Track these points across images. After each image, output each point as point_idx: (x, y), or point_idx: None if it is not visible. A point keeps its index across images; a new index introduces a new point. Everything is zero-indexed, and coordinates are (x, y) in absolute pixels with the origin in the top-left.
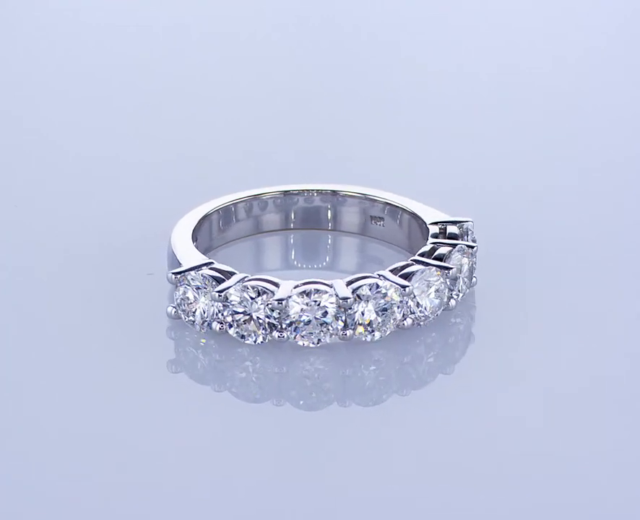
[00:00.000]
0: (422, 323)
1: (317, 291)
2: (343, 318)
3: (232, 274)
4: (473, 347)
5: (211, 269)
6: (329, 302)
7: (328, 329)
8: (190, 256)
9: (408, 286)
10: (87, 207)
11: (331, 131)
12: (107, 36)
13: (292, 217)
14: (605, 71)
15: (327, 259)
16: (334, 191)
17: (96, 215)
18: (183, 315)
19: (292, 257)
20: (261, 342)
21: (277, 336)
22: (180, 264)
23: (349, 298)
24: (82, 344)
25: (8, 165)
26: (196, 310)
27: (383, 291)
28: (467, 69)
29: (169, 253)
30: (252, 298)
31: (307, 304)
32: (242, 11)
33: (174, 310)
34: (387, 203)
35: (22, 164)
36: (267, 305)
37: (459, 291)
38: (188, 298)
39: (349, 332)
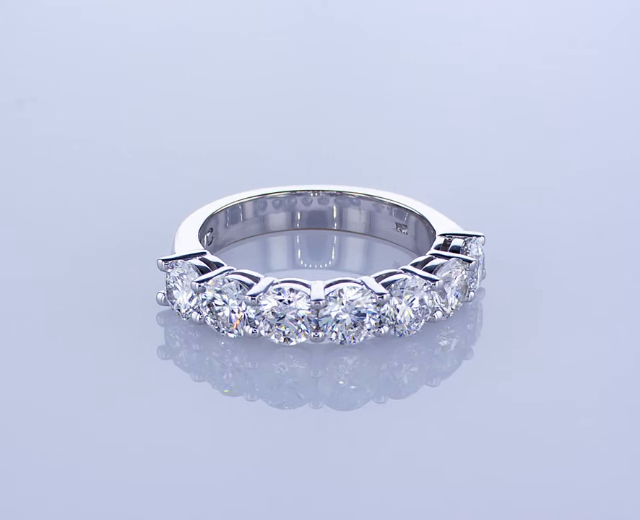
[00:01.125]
0: (402, 331)
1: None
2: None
3: (219, 265)
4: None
5: (201, 259)
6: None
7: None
8: (186, 245)
9: (385, 293)
10: (90, 208)
11: (339, 132)
12: (110, 36)
13: (298, 217)
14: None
15: (333, 259)
16: (340, 192)
17: (99, 215)
18: (169, 303)
19: (299, 257)
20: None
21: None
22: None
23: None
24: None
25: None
26: (177, 298)
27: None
28: (482, 70)
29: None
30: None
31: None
32: (246, 11)
33: (164, 296)
34: (394, 204)
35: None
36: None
37: (449, 304)
38: (175, 287)
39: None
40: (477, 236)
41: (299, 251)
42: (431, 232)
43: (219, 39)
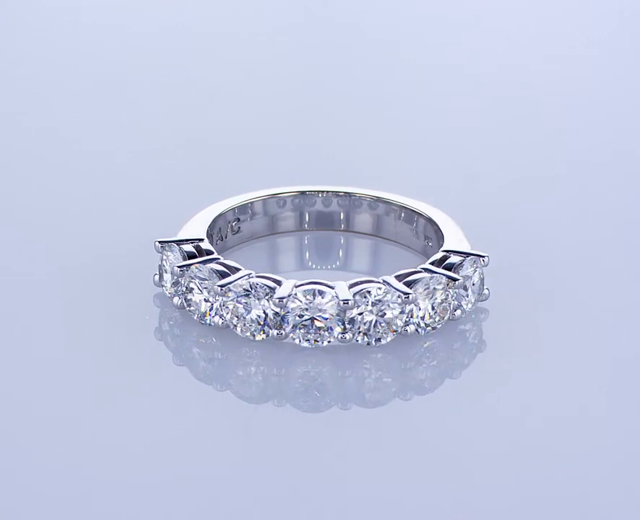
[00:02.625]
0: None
1: (369, 291)
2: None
3: (210, 252)
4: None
5: (195, 247)
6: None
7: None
8: (188, 230)
9: (411, 293)
10: (97, 208)
11: (342, 131)
12: (110, 35)
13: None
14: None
15: (340, 260)
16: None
17: (106, 217)
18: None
19: (307, 257)
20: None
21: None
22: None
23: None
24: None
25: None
26: (166, 281)
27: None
28: (483, 70)
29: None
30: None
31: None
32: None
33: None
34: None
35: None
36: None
37: (421, 320)
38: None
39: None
40: (480, 256)
41: (307, 252)
42: (440, 235)
43: (219, 39)
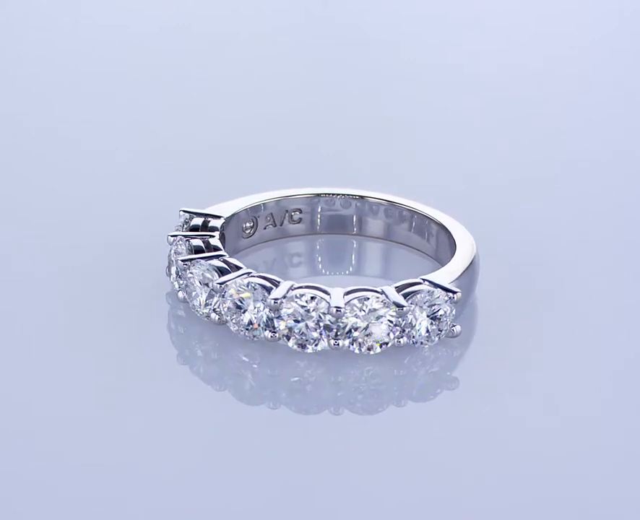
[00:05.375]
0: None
1: (365, 299)
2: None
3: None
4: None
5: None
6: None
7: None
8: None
9: (405, 305)
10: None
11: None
12: (110, 36)
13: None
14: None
15: (353, 264)
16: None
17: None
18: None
19: (318, 261)
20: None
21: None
22: None
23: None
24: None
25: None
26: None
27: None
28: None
29: None
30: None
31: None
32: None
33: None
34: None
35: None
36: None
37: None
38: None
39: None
40: (451, 292)
41: (319, 256)
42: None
43: (220, 39)
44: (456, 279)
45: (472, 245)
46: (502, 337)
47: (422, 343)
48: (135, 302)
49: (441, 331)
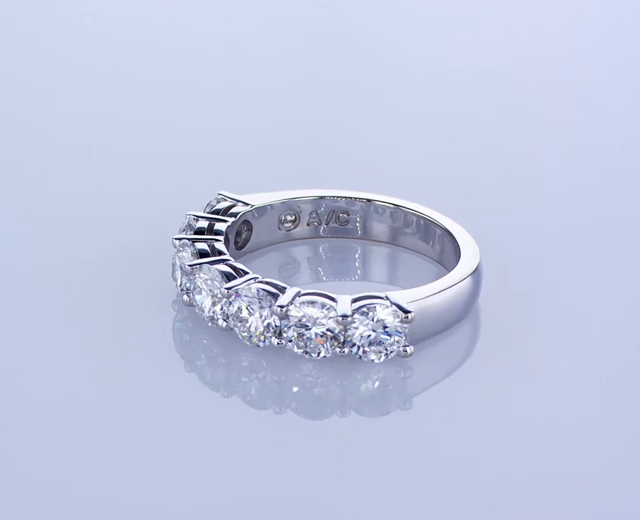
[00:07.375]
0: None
1: (372, 307)
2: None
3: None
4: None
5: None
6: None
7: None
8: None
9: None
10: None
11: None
12: (112, 35)
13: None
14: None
15: (358, 269)
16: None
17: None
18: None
19: (322, 265)
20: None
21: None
22: None
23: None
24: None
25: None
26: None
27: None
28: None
29: None
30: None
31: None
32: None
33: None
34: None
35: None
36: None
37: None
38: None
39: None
40: (404, 311)
41: (323, 260)
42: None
43: (219, 39)
44: (460, 281)
45: (476, 251)
46: (500, 337)
47: (360, 357)
48: (140, 307)
49: (387, 349)
